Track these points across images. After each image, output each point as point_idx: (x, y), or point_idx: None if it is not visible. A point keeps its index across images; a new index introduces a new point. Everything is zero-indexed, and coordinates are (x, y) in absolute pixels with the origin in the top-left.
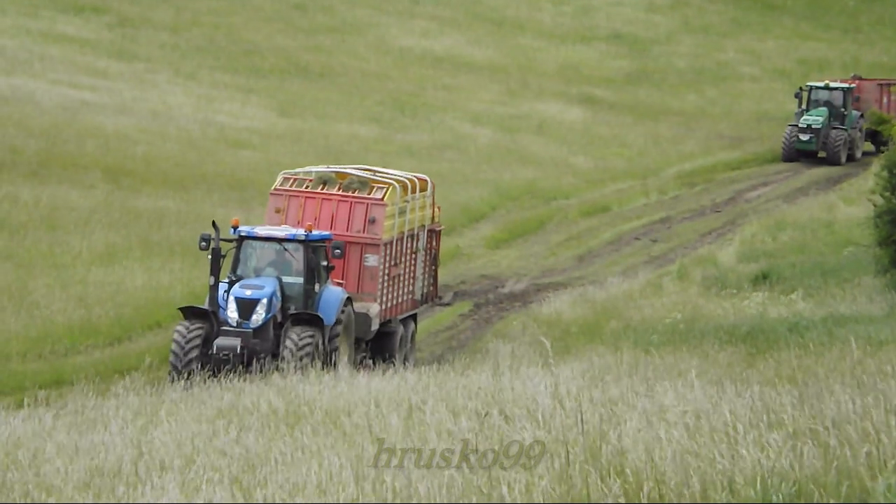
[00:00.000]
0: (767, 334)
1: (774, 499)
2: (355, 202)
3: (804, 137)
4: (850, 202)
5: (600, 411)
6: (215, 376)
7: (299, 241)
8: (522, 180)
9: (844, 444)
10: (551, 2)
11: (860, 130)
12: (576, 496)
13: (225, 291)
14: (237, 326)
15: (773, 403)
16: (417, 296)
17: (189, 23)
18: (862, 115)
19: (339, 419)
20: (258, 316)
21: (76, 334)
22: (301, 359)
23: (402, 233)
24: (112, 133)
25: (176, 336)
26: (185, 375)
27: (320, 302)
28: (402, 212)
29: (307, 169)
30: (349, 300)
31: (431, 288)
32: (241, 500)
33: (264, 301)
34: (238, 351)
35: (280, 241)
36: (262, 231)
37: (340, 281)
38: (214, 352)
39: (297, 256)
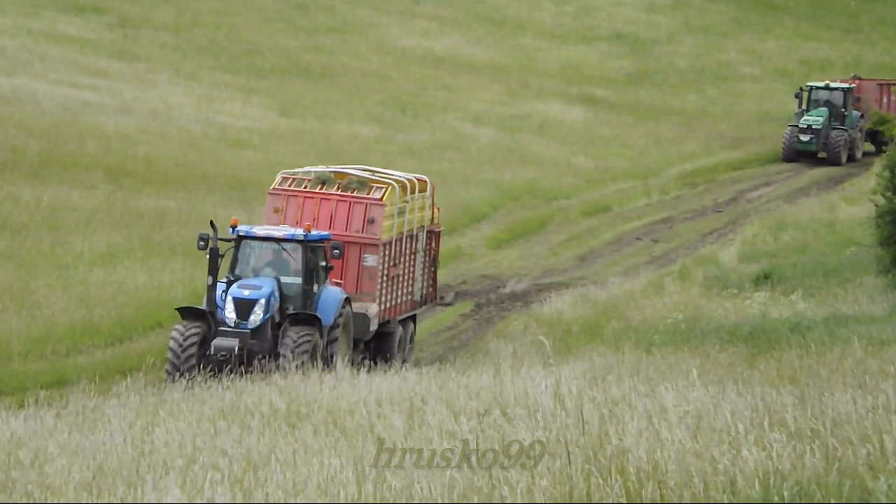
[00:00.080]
0: (769, 334)
1: (776, 499)
2: (354, 202)
3: (804, 138)
4: (852, 202)
5: (601, 411)
6: (216, 376)
7: (298, 241)
8: (523, 180)
9: (846, 445)
10: (552, 2)
11: (860, 131)
12: (577, 496)
13: (223, 291)
14: (235, 327)
15: (774, 404)
16: (416, 297)
17: (190, 23)
18: (862, 116)
19: (341, 419)
20: (256, 316)
21: (78, 334)
22: (298, 356)
23: (401, 233)
24: (113, 133)
25: (173, 337)
26: (186, 376)
27: (319, 302)
28: (401, 212)
29: (306, 169)
30: (348, 300)
31: (431, 289)
32: (243, 500)
33: (262, 301)
34: (236, 351)
35: (278, 241)
36: (260, 231)
37: (339, 281)
38: (212, 352)
39: (295, 256)
